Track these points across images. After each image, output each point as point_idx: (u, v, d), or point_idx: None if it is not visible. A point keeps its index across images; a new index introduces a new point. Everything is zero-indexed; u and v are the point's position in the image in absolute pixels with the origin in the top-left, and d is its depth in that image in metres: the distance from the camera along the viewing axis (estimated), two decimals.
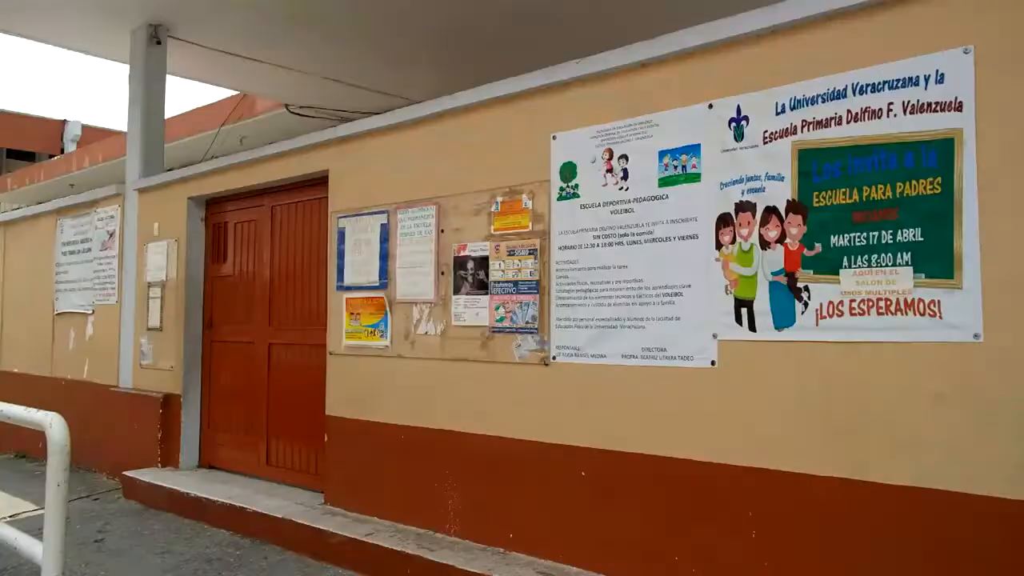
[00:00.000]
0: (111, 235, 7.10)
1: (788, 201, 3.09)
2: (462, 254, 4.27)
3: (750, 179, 3.20)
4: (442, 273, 4.37)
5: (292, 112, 9.87)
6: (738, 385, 3.21)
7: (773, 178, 3.13)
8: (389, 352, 4.63)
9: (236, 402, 6.08)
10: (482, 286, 4.16)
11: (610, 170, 3.68)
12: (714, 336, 3.28)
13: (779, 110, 3.13)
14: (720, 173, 3.30)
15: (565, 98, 3.89)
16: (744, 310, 3.20)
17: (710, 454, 3.28)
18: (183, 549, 4.76)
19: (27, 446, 7.91)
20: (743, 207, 3.22)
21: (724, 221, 3.28)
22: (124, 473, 6.16)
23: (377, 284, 4.73)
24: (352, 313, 4.88)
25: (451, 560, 3.84)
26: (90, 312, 7.31)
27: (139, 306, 6.71)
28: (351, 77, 8.81)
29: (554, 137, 3.90)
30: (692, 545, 3.30)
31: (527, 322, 3.94)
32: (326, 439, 4.98)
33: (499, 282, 4.08)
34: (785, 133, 3.11)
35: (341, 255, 4.98)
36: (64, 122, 29.95)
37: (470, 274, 4.23)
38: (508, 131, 4.12)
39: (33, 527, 3.81)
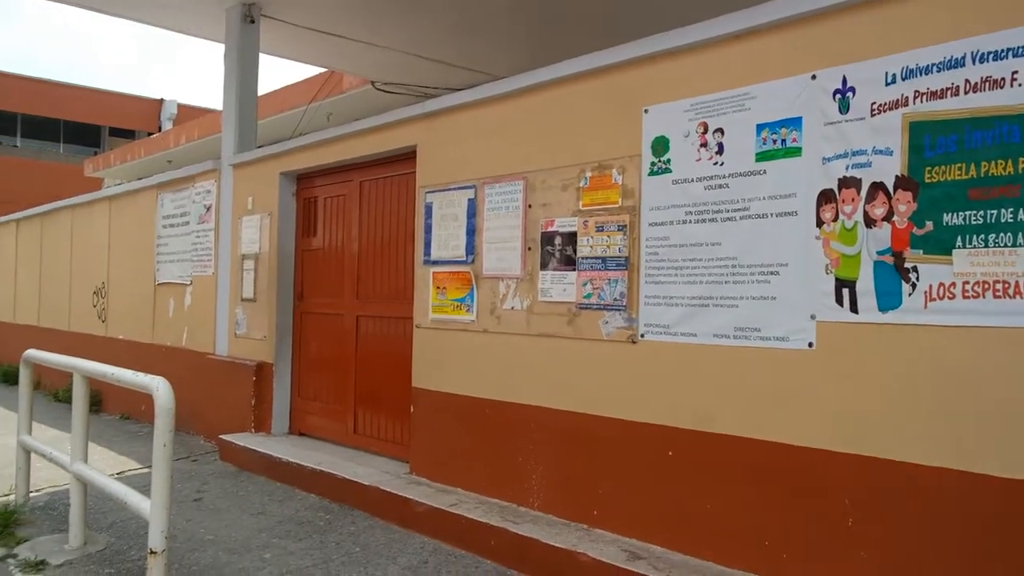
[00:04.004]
0: (208, 209, 7.38)
1: (897, 176, 2.93)
2: (549, 229, 4.25)
3: (855, 153, 3.06)
4: (529, 248, 4.36)
5: (378, 89, 9.99)
6: (838, 368, 3.09)
7: (881, 152, 2.98)
8: (475, 327, 4.67)
9: (325, 372, 6.26)
10: (569, 262, 4.13)
11: (704, 144, 3.58)
12: (812, 317, 3.17)
13: (889, 80, 2.97)
14: (823, 147, 3.16)
15: (657, 70, 3.80)
16: (846, 290, 3.07)
17: (805, 438, 3.18)
18: (276, 510, 4.95)
19: (131, 408, 8.39)
20: (847, 183, 3.08)
21: (826, 197, 3.14)
22: (220, 437, 6.45)
23: (464, 259, 4.77)
24: (439, 287, 4.93)
25: (535, 534, 3.87)
26: (188, 283, 7.64)
27: (234, 277, 6.97)
28: (437, 53, 8.86)
29: (646, 111, 3.81)
30: (783, 530, 3.22)
31: (615, 299, 3.90)
32: (412, 410, 5.08)
33: (587, 258, 4.04)
34: (895, 105, 2.95)
35: (428, 229, 5.03)
36: (161, 101, 31.33)
37: (557, 250, 4.20)
38: (598, 105, 4.06)
39: (139, 484, 4.03)
